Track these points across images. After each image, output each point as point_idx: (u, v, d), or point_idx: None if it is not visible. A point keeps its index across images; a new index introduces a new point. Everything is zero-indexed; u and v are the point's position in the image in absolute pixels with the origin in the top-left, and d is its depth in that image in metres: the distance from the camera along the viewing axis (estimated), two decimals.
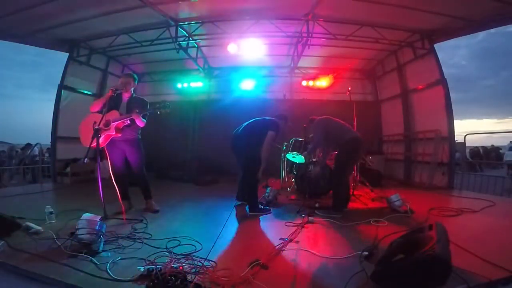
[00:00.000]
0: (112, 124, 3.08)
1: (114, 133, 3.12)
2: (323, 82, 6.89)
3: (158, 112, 3.20)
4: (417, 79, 6.20)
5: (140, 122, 3.24)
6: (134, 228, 2.75)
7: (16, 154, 10.32)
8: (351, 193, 4.43)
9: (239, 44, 5.39)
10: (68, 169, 5.99)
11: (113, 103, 3.19)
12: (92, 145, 2.93)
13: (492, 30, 5.76)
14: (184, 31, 5.58)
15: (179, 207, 3.86)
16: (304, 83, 7.18)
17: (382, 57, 7.07)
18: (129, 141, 3.35)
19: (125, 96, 3.34)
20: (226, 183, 5.83)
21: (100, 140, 3.05)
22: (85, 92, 6.67)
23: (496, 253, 2.05)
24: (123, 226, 2.83)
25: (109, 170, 3.16)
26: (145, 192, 3.58)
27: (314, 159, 4.61)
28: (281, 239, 2.52)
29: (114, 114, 3.13)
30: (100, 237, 2.23)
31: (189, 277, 1.72)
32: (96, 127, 2.96)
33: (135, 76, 3.52)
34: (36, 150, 8.00)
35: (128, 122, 3.19)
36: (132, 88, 3.41)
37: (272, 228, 2.99)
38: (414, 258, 1.59)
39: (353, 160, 3.71)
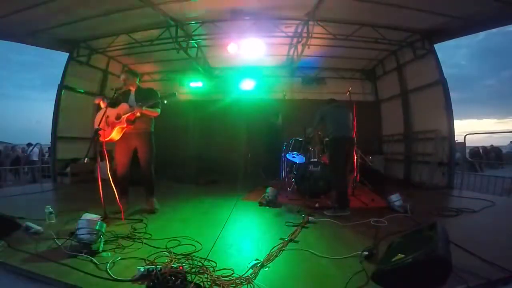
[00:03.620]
0: (123, 116, 3.12)
1: (125, 125, 3.15)
2: None
3: (165, 102, 3.23)
4: (417, 79, 6.19)
5: (151, 113, 3.27)
6: (134, 228, 2.75)
7: (8, 154, 10.24)
8: (351, 193, 4.43)
9: (239, 44, 5.39)
10: (68, 169, 5.99)
11: (122, 98, 3.27)
12: (106, 139, 3.10)
13: (493, 30, 5.74)
14: (184, 31, 5.58)
15: (179, 207, 3.85)
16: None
17: (382, 57, 7.07)
18: (140, 135, 3.35)
19: (132, 90, 3.39)
20: (226, 183, 5.83)
21: (113, 133, 3.11)
22: (85, 92, 6.65)
23: (496, 253, 2.04)
24: (123, 226, 2.83)
25: (107, 172, 3.02)
26: (147, 190, 3.52)
27: (314, 159, 4.62)
28: (281, 239, 2.52)
29: (123, 107, 3.18)
30: (100, 237, 2.23)
31: (189, 277, 1.73)
32: (96, 127, 2.97)
33: (133, 71, 3.63)
34: (37, 151, 7.99)
35: (139, 113, 3.21)
36: (136, 82, 3.44)
37: (272, 228, 2.99)
38: (414, 258, 1.58)
39: (336, 157, 3.70)
